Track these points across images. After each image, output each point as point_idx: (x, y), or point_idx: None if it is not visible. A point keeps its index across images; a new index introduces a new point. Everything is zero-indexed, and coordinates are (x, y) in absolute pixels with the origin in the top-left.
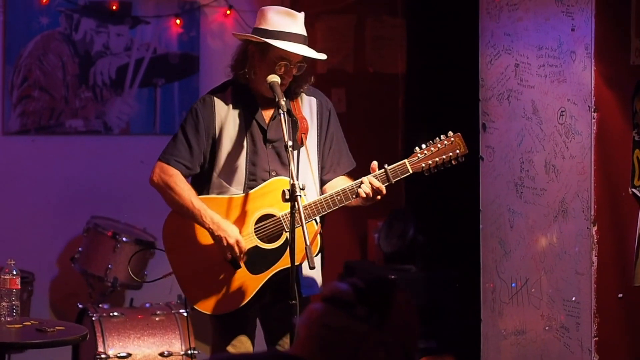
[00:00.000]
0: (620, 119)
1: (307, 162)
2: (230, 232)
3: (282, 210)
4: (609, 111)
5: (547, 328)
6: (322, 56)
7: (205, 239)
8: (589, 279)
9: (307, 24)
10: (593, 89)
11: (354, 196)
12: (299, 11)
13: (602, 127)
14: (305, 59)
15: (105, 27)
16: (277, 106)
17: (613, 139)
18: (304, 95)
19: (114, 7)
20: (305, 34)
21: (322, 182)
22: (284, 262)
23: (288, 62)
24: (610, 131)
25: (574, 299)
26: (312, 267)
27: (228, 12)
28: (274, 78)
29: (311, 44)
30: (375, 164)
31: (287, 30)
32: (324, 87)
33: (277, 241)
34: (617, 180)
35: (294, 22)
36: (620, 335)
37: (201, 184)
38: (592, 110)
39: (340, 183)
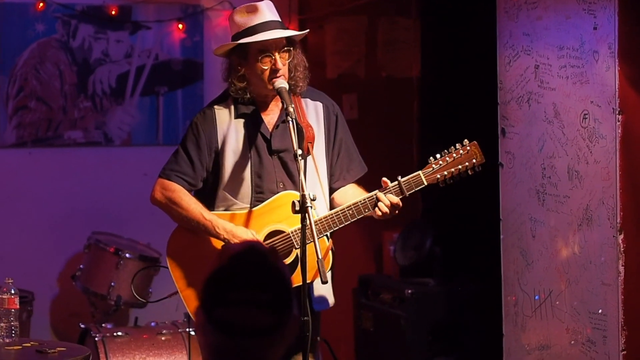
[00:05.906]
0: None
1: (314, 172)
2: (247, 237)
3: (291, 226)
4: (634, 113)
5: (572, 342)
6: (303, 32)
7: (212, 255)
8: (616, 290)
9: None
10: (617, 90)
11: (366, 210)
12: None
13: (628, 130)
14: (292, 43)
15: (104, 33)
16: (283, 112)
17: (639, 142)
18: (309, 101)
19: (113, 12)
20: (276, 18)
21: (331, 190)
22: (295, 280)
23: (270, 53)
24: (636, 134)
25: (600, 311)
26: (324, 282)
27: None
28: (282, 84)
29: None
30: (386, 180)
31: (253, 24)
32: (334, 92)
33: (287, 258)
34: None
35: (258, 13)
36: None
37: (206, 199)
38: (617, 112)
39: (349, 192)
